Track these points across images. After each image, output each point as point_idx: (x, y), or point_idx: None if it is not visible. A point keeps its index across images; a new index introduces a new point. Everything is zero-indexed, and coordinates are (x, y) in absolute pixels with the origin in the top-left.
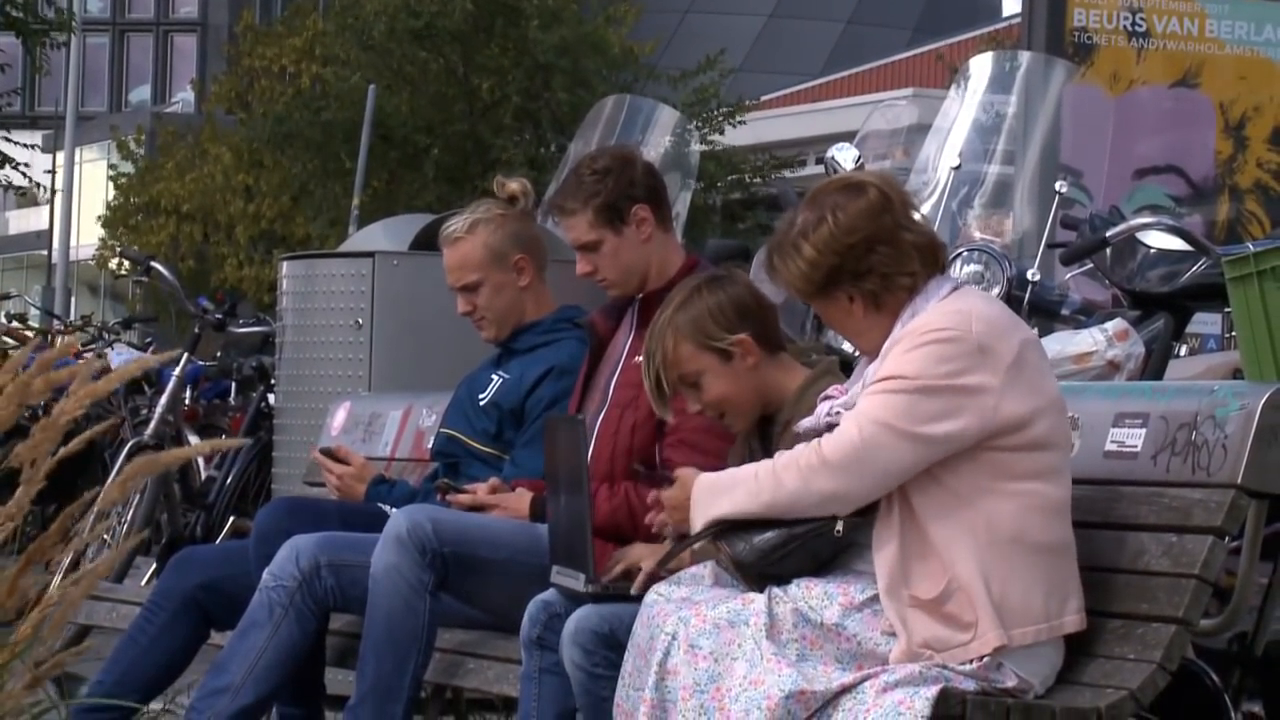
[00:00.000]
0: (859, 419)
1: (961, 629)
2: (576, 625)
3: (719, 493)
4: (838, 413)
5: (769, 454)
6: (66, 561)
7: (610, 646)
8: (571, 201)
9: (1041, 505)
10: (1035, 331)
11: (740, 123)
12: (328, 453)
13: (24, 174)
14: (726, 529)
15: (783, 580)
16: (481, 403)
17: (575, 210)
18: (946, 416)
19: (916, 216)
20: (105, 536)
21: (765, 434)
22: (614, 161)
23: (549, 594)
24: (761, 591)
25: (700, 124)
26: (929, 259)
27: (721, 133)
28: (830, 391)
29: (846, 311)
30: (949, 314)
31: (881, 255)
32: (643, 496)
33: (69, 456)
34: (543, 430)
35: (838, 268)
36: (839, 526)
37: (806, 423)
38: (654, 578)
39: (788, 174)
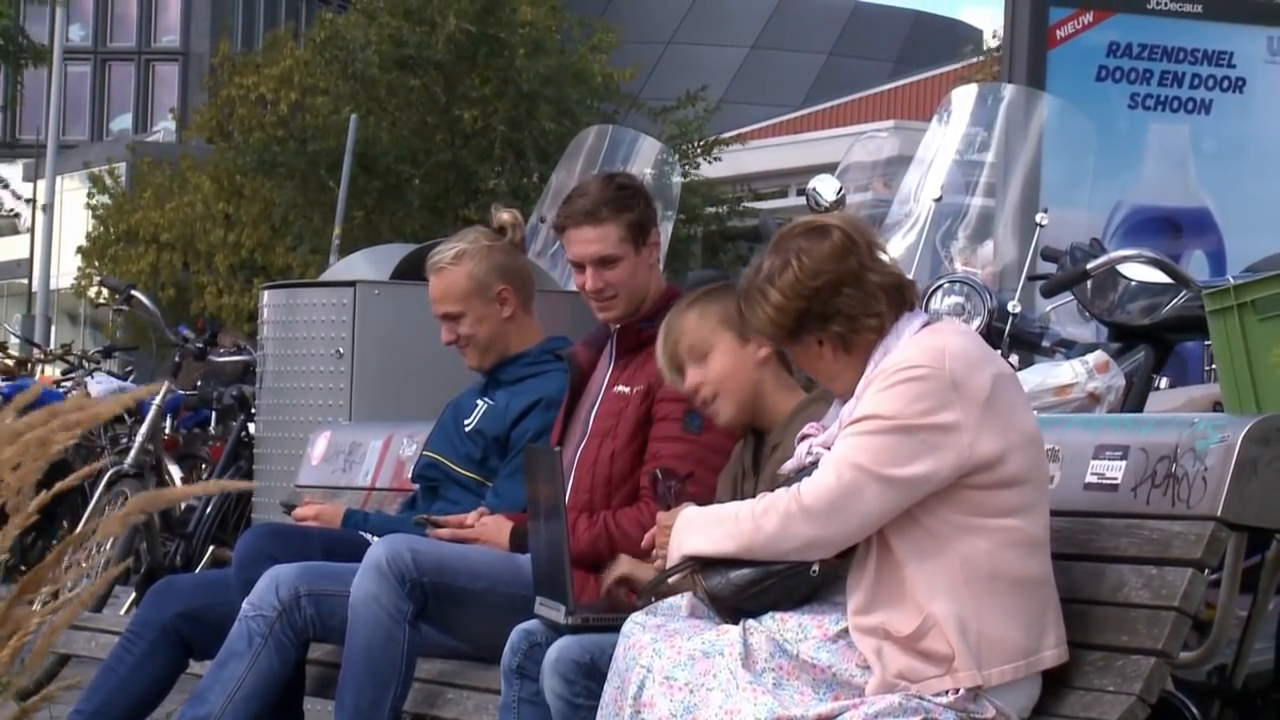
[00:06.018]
0: (837, 464)
1: (937, 663)
2: (558, 655)
3: (698, 530)
4: (818, 452)
5: (758, 472)
6: (48, 591)
7: (591, 676)
8: (605, 210)
9: (1018, 541)
10: (1011, 364)
11: (716, 159)
12: (289, 507)
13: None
14: (704, 562)
15: (757, 614)
16: (467, 428)
17: (606, 220)
18: (923, 456)
19: (883, 257)
20: (83, 565)
21: (757, 452)
22: (633, 181)
23: (531, 623)
24: (736, 624)
25: (680, 158)
26: (896, 299)
27: (696, 168)
28: (807, 430)
29: (818, 355)
30: (923, 350)
31: (847, 297)
32: (623, 526)
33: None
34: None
35: (805, 311)
36: (815, 567)
37: (789, 465)
38: (634, 607)
39: (767, 205)
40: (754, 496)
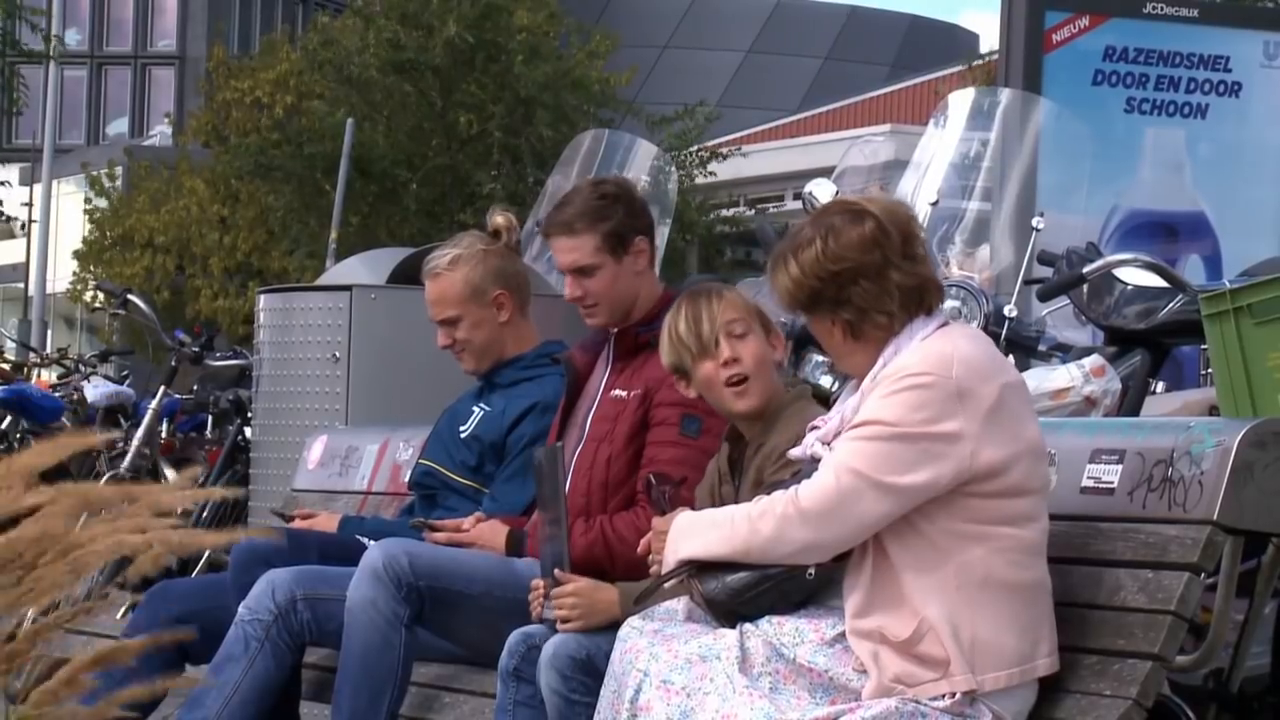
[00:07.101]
0: (836, 468)
1: (933, 667)
2: (554, 650)
3: (694, 534)
4: (819, 450)
5: (735, 476)
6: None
7: (587, 672)
8: (580, 222)
9: (1015, 548)
10: (1019, 374)
11: (711, 175)
12: (286, 518)
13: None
14: (700, 567)
15: (754, 618)
16: (463, 435)
17: (581, 231)
18: (923, 464)
19: (917, 253)
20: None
21: (734, 460)
22: (619, 189)
23: (530, 626)
24: (733, 628)
25: (677, 168)
26: (912, 301)
27: (692, 180)
28: (817, 422)
29: (829, 332)
30: (930, 356)
31: (862, 289)
32: (619, 531)
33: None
34: (523, 466)
35: (818, 292)
36: (810, 571)
37: (795, 452)
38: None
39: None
40: (731, 502)
